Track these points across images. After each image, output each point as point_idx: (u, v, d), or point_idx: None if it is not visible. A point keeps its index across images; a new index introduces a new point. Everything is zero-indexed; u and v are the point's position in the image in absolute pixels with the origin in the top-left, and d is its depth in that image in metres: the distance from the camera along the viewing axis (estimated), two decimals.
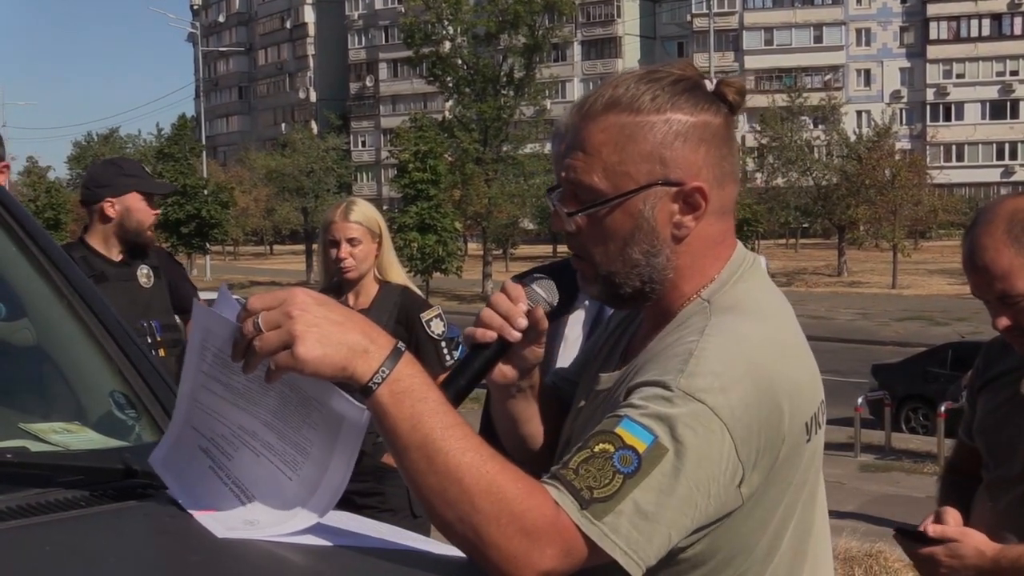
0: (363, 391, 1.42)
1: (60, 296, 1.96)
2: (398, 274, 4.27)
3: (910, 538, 2.46)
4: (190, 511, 1.55)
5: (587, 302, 2.42)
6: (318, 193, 62.60)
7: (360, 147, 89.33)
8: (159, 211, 4.56)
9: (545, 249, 65.13)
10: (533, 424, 1.80)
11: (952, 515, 2.46)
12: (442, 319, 4.26)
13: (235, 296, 1.53)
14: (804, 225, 51.64)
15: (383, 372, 1.41)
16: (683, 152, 1.59)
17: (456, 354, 4.31)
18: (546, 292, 1.68)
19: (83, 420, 1.88)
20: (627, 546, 1.42)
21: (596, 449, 1.44)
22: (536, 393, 1.78)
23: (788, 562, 1.61)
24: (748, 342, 1.54)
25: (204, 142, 64.99)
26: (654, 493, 1.43)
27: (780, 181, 50.42)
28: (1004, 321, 2.36)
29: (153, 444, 1.81)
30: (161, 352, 4.33)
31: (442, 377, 1.75)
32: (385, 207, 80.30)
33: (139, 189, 4.41)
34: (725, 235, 1.66)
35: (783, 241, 66.34)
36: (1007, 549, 2.33)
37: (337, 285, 4.31)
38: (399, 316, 4.16)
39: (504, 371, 1.70)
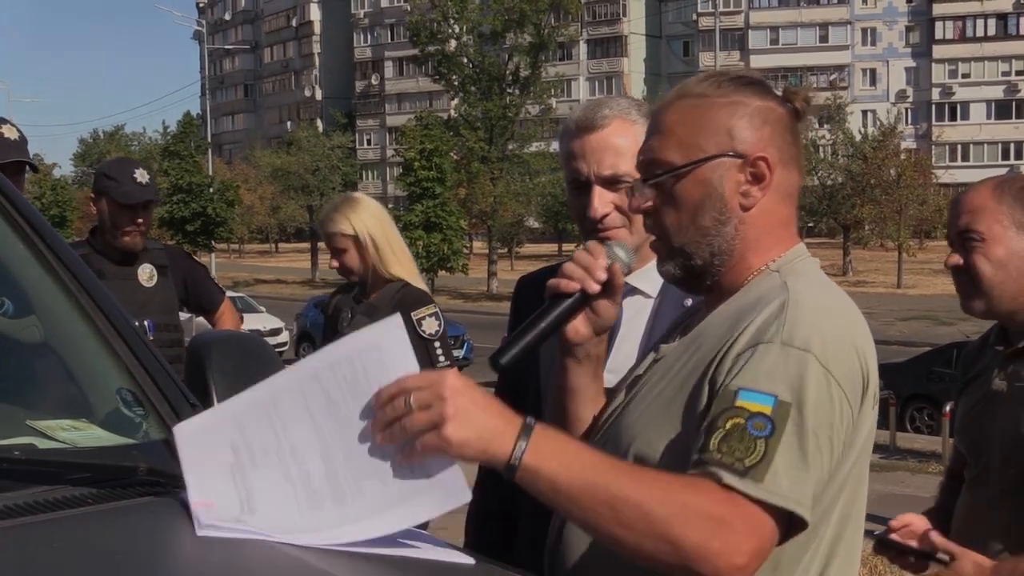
0: (508, 470, 1.51)
1: (68, 293, 1.96)
2: (401, 269, 4.26)
3: (898, 550, 2.46)
4: (187, 493, 1.57)
5: (655, 297, 2.43)
6: (323, 191, 62.61)
7: (365, 145, 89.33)
8: (143, 219, 4.44)
9: (550, 248, 65.09)
10: (586, 405, 1.87)
11: (920, 522, 2.48)
12: (437, 318, 4.21)
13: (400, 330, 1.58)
14: (809, 224, 51.54)
15: (520, 447, 1.51)
16: (749, 127, 1.72)
17: (457, 353, 4.31)
18: (624, 253, 1.78)
19: (90, 417, 1.88)
20: (795, 497, 1.51)
21: (728, 426, 1.54)
22: (598, 368, 1.87)
23: (830, 540, 1.66)
24: (833, 302, 1.67)
25: (210, 140, 65.01)
26: (795, 446, 1.53)
27: None
28: (955, 258, 2.45)
29: (160, 442, 1.82)
30: None
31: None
32: (391, 205, 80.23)
33: (110, 194, 4.35)
34: (789, 221, 1.77)
35: None
36: (1002, 564, 2.34)
37: (351, 285, 4.36)
38: (392, 311, 4.17)
39: (578, 327, 1.79)
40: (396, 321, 1.58)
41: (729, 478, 1.49)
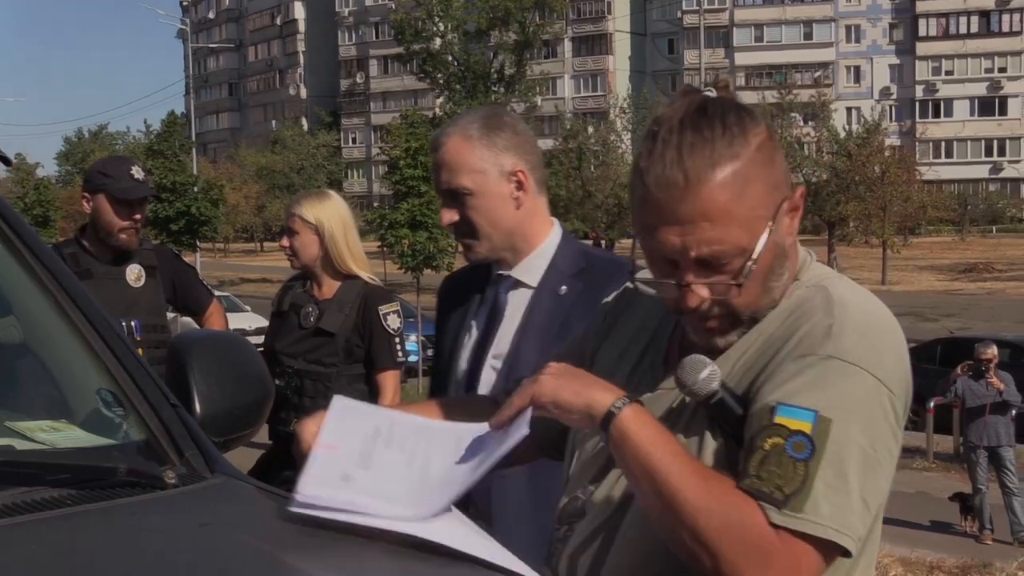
0: (606, 416, 1.53)
1: (47, 293, 1.94)
2: (356, 266, 4.27)
3: None
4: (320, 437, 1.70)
5: (506, 292, 2.59)
6: (304, 191, 62.51)
7: (351, 144, 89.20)
8: (139, 215, 4.43)
9: None
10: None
11: None
12: (399, 315, 4.29)
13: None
14: None
15: (621, 402, 1.54)
16: (780, 164, 1.61)
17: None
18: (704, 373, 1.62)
19: (70, 418, 1.87)
20: (835, 524, 1.45)
21: (767, 447, 1.47)
22: None
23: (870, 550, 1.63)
24: (878, 309, 1.60)
25: (194, 139, 64.88)
26: (835, 465, 1.46)
27: None
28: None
29: (141, 442, 1.81)
30: (139, 352, 4.29)
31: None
32: (376, 204, 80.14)
33: (108, 190, 4.35)
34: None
35: None
36: None
37: (303, 275, 4.37)
38: (360, 307, 4.19)
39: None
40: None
41: (769, 510, 1.45)
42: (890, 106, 73.00)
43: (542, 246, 2.57)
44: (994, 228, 66.36)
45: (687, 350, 1.64)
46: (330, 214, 4.25)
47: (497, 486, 2.46)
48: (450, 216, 2.52)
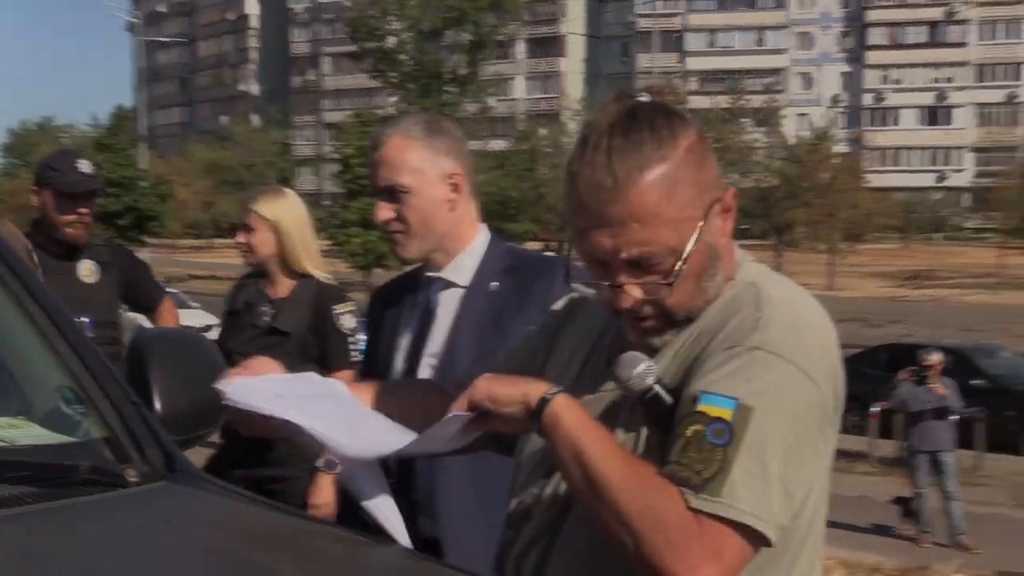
0: (540, 403, 1.57)
1: (5, 288, 1.94)
2: (311, 265, 4.26)
3: None
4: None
5: (437, 293, 2.67)
6: (259, 187, 62.06)
7: (302, 141, 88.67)
8: (86, 209, 4.39)
9: None
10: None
11: None
12: (354, 315, 4.28)
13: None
14: (743, 227, 52.07)
15: (554, 390, 1.58)
16: (710, 166, 1.64)
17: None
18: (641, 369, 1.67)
19: (29, 415, 1.86)
20: (752, 510, 1.46)
21: (688, 433, 1.49)
22: None
23: (794, 552, 1.63)
24: (806, 303, 1.63)
25: (144, 133, 64.17)
26: (755, 452, 1.47)
27: None
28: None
29: (101, 440, 1.82)
30: None
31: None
32: (327, 202, 79.60)
33: (53, 184, 4.32)
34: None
35: None
36: None
37: (256, 272, 4.35)
38: (314, 306, 4.19)
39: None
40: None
41: (688, 494, 1.46)
42: (840, 113, 73.87)
43: (471, 247, 2.65)
44: (938, 235, 67.28)
45: (627, 350, 1.67)
46: (287, 212, 4.24)
47: (443, 483, 2.51)
48: (386, 212, 2.58)
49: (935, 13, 75.32)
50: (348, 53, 63.78)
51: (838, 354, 1.63)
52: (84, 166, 4.41)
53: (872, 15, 76.50)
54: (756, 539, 1.48)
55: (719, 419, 1.47)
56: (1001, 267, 48.86)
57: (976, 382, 16.27)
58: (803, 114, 69.26)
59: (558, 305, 1.96)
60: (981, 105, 74.85)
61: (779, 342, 1.53)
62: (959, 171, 74.75)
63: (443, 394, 1.88)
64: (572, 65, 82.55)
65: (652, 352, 1.65)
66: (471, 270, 2.63)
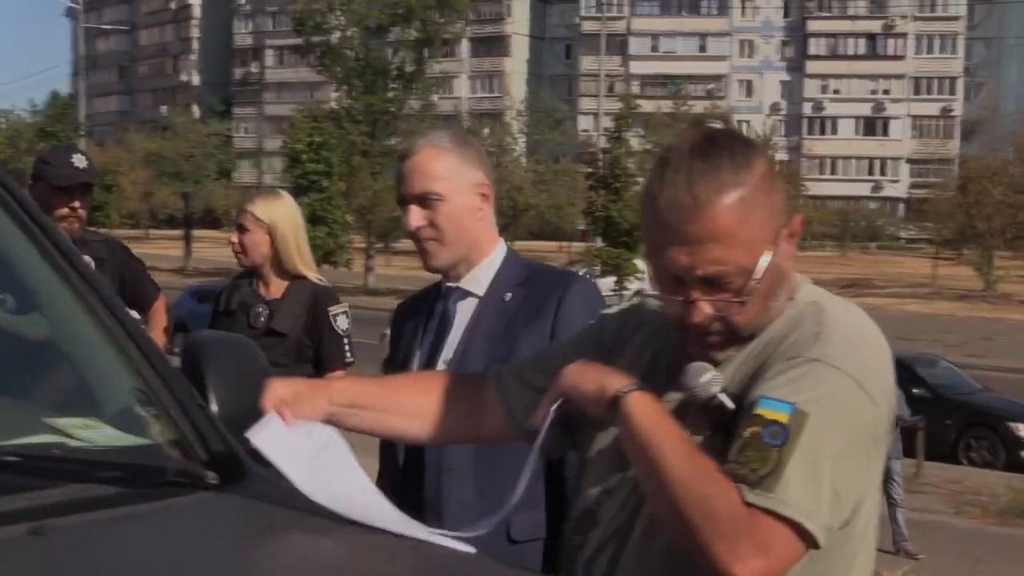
0: (613, 399, 1.69)
1: (73, 290, 1.96)
2: (304, 267, 4.31)
3: None
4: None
5: (455, 303, 2.74)
6: (198, 178, 61.45)
7: (243, 134, 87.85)
8: (78, 204, 4.38)
9: None
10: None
11: None
12: (347, 315, 4.33)
13: None
14: None
15: (631, 386, 1.70)
16: (779, 193, 1.75)
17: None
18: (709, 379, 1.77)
19: (100, 416, 1.88)
20: (804, 508, 1.54)
21: (746, 434, 1.58)
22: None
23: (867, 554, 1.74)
24: (865, 323, 1.72)
25: (84, 121, 63.18)
26: (808, 456, 1.55)
27: None
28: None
29: (173, 442, 1.85)
30: None
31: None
32: None
33: (46, 178, 4.33)
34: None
35: None
36: None
37: (248, 273, 4.38)
38: (310, 307, 4.23)
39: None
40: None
41: (743, 489, 1.55)
42: (779, 121, 74.77)
43: (489, 258, 2.71)
44: (874, 245, 68.34)
45: (686, 361, 1.77)
46: (282, 214, 4.28)
47: (448, 483, 2.60)
48: (419, 219, 2.62)
49: (874, 26, 76.48)
50: (292, 46, 63.46)
51: (893, 374, 1.72)
52: (78, 160, 4.42)
53: (813, 25, 77.46)
54: (804, 538, 1.56)
55: (775, 422, 1.57)
56: (935, 277, 49.76)
57: (917, 391, 16.58)
58: (744, 121, 70.07)
59: (612, 311, 2.05)
60: (917, 117, 76.10)
61: (838, 356, 1.62)
62: (895, 182, 75.96)
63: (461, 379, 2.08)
64: (516, 65, 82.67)
65: (714, 364, 1.74)
66: (487, 280, 2.70)
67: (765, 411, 1.58)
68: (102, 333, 1.95)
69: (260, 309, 4.25)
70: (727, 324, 1.71)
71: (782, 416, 1.56)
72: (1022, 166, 47.11)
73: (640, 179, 51.21)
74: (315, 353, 4.22)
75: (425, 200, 2.62)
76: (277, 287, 4.28)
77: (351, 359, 4.29)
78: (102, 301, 1.97)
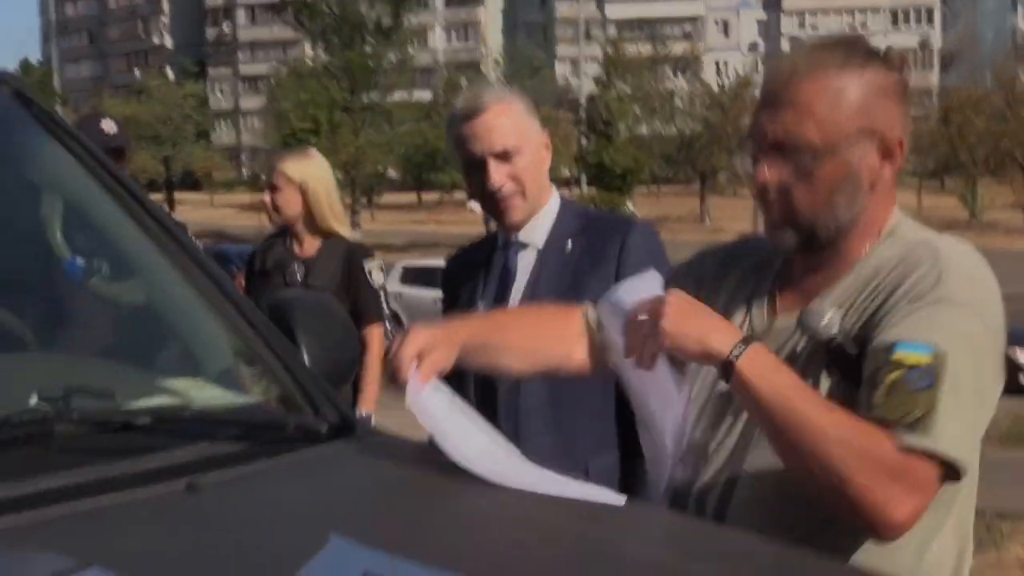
0: (724, 366, 1.66)
1: (168, 255, 1.98)
2: (337, 224, 4.35)
3: None
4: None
5: (516, 254, 2.74)
6: (176, 141, 61.13)
7: (218, 94, 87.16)
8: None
9: (410, 197, 64.76)
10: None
11: None
12: (383, 270, 4.37)
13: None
14: (668, 174, 52.55)
15: (739, 349, 1.66)
16: (885, 105, 1.75)
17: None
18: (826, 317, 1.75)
19: (205, 376, 1.92)
20: (959, 446, 1.58)
21: (888, 380, 1.59)
22: None
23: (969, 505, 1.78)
24: (979, 261, 1.74)
25: (58, 88, 62.61)
26: (954, 394, 1.58)
27: (644, 130, 51.14)
28: None
29: (280, 399, 1.89)
30: None
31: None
32: (244, 156, 78.40)
33: None
34: (894, 183, 1.82)
35: (645, 189, 67.40)
36: None
37: (280, 232, 4.40)
38: (345, 263, 4.27)
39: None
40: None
41: (900, 433, 1.57)
42: (758, 60, 74.51)
43: (545, 209, 2.72)
44: None
45: (786, 296, 1.83)
46: (314, 172, 4.30)
47: (525, 426, 2.57)
48: (502, 176, 2.61)
49: None
50: (265, 4, 62.84)
51: (1002, 304, 1.74)
52: (108, 126, 4.43)
53: None
54: (951, 474, 1.61)
55: (918, 365, 1.59)
56: (919, 208, 49.98)
57: None
58: (721, 61, 69.76)
59: (712, 248, 2.09)
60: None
61: (962, 294, 1.65)
62: None
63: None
64: (491, 15, 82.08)
65: (810, 294, 1.79)
66: (546, 231, 2.70)
67: (904, 355, 1.60)
68: (199, 295, 1.97)
69: (296, 267, 4.28)
70: (786, 199, 1.75)
71: (924, 358, 1.59)
72: (1003, 95, 47.17)
73: (621, 124, 51.27)
74: (351, 308, 4.25)
75: (506, 155, 2.61)
76: (311, 245, 4.31)
77: (387, 312, 4.33)
78: (196, 264, 1.99)
